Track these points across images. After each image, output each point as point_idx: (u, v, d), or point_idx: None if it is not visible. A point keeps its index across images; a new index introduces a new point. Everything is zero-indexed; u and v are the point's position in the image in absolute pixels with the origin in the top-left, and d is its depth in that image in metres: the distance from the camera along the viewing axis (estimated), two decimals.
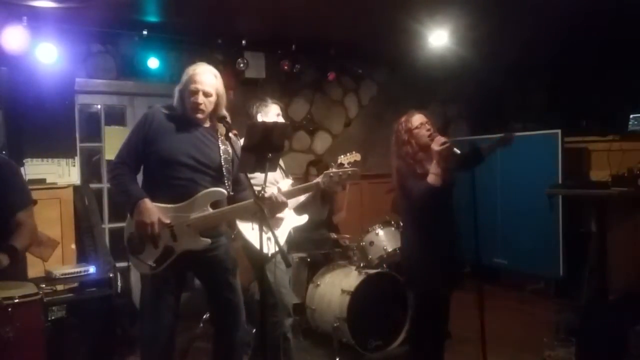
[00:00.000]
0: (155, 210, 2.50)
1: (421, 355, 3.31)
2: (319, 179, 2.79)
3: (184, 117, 2.65)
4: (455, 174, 3.14)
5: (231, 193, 2.67)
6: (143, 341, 2.75)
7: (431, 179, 2.95)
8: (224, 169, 2.66)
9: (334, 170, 2.75)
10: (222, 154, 2.67)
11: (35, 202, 2.94)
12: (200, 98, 2.60)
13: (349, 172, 2.73)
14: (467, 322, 4.18)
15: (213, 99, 2.65)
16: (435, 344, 3.34)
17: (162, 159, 2.57)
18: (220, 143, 2.69)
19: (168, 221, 2.52)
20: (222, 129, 2.70)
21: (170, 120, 2.64)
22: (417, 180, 3.01)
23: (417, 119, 3.09)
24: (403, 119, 3.15)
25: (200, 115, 2.65)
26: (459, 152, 2.91)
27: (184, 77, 2.64)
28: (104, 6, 4.02)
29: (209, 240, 2.58)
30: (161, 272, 2.57)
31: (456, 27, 4.75)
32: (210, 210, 2.58)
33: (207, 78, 2.62)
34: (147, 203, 2.50)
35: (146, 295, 2.68)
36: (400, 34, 4.94)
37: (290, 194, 2.85)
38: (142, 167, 2.68)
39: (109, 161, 4.84)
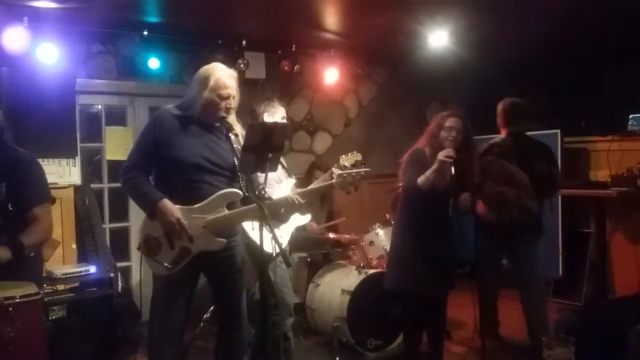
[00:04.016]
0: (176, 208, 2.53)
1: (416, 356, 3.32)
2: (333, 181, 2.81)
3: (196, 118, 2.65)
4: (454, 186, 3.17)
5: (246, 194, 2.66)
6: (151, 341, 2.76)
7: (421, 180, 3.03)
8: (238, 169, 2.66)
9: (347, 171, 2.77)
10: (235, 154, 2.67)
11: (54, 201, 2.95)
12: (232, 102, 2.64)
13: (362, 172, 2.76)
14: (467, 322, 4.19)
15: (236, 100, 2.69)
16: (433, 344, 3.35)
17: (176, 162, 2.58)
18: (232, 142, 2.69)
19: (185, 222, 2.53)
20: (232, 125, 2.70)
21: (181, 121, 2.64)
22: (413, 172, 3.07)
23: (452, 122, 3.14)
24: (444, 114, 3.22)
25: (227, 118, 2.65)
26: (453, 172, 2.96)
27: (211, 81, 2.60)
28: (104, 6, 4.03)
29: (224, 241, 2.59)
30: (176, 273, 2.58)
31: (456, 28, 4.75)
32: (227, 211, 2.59)
33: (233, 82, 2.67)
34: (168, 203, 2.53)
35: (158, 296, 2.68)
36: (400, 34, 4.95)
37: (307, 195, 2.85)
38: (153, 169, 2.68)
39: (109, 161, 4.86)
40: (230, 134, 2.61)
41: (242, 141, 2.69)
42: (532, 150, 3.78)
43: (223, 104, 2.62)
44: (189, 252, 2.57)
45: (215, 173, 2.62)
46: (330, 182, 2.83)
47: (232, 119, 2.70)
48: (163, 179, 2.65)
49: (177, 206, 2.54)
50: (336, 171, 2.89)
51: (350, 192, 2.89)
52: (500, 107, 3.93)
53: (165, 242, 2.57)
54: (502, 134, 3.91)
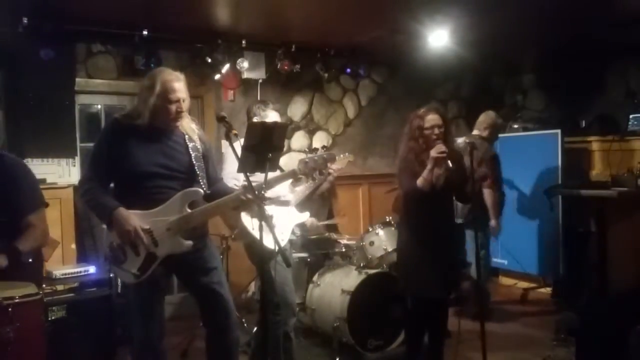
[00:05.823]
0: (133, 216, 2.47)
1: (417, 356, 3.31)
2: (295, 167, 2.76)
3: (148, 125, 2.58)
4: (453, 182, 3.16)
5: (207, 191, 2.64)
6: (135, 348, 2.74)
7: (420, 182, 3.01)
8: (196, 167, 2.63)
9: (308, 155, 2.66)
10: (191, 152, 2.64)
11: (47, 205, 2.91)
12: (182, 106, 2.58)
13: (325, 155, 2.65)
14: (467, 322, 4.17)
15: (186, 103, 2.63)
16: (433, 344, 3.34)
17: (133, 172, 2.54)
18: (187, 141, 2.66)
19: (147, 226, 2.48)
20: (184, 125, 2.67)
21: (133, 130, 2.57)
22: (409, 177, 3.06)
23: (431, 119, 3.11)
24: (420, 112, 3.18)
25: (179, 123, 2.63)
26: (451, 165, 2.94)
27: (157, 87, 2.54)
28: (104, 6, 4.03)
29: (191, 243, 2.54)
30: (145, 280, 2.53)
31: (456, 27, 4.75)
32: (189, 210, 2.55)
33: (181, 85, 2.59)
34: (123, 211, 2.47)
35: (132, 303, 2.64)
36: (400, 34, 4.95)
37: (268, 185, 2.82)
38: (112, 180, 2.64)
39: None
40: (230, 134, 2.58)
41: (241, 141, 2.70)
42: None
43: (173, 108, 2.56)
44: (155, 257, 2.52)
45: (173, 178, 2.58)
46: (292, 169, 2.76)
47: (186, 121, 2.67)
48: (123, 190, 2.59)
49: (137, 211, 2.49)
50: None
51: (315, 179, 2.82)
52: (493, 121, 4.62)
53: (130, 250, 2.52)
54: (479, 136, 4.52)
